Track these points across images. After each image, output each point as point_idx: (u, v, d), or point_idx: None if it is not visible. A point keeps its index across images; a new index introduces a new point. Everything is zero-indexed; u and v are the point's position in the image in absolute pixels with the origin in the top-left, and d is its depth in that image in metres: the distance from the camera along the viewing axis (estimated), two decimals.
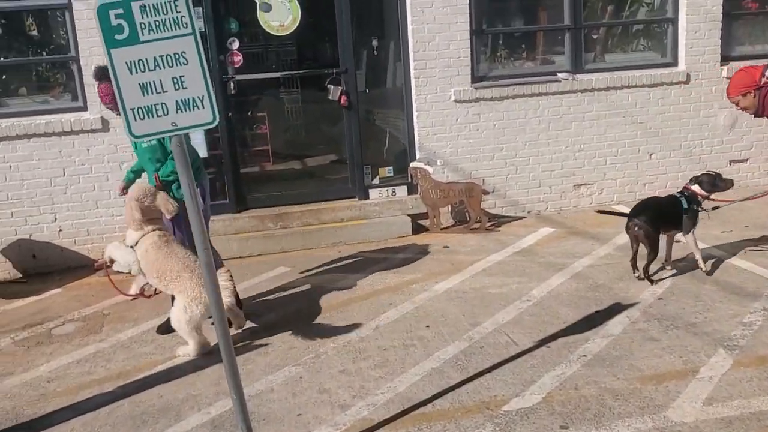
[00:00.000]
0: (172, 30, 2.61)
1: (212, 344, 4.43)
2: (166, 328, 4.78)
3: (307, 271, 6.03)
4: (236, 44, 6.63)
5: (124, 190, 4.92)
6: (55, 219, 6.47)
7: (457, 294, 5.26)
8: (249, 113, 7.21)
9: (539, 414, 3.51)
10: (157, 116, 2.66)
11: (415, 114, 7.00)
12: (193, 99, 2.69)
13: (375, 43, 7.17)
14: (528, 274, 5.58)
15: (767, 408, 3.39)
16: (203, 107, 2.71)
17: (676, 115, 7.39)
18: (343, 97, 6.83)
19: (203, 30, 6.48)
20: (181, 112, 2.67)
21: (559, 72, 7.22)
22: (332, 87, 6.81)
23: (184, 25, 2.62)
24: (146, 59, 2.61)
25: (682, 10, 7.24)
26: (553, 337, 4.39)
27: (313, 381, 4.05)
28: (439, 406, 3.67)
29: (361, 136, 7.06)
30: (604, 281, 5.27)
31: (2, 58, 6.46)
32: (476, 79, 7.07)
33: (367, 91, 7.27)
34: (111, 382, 4.25)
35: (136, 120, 2.64)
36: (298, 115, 7.56)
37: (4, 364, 4.65)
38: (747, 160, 7.64)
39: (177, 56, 2.64)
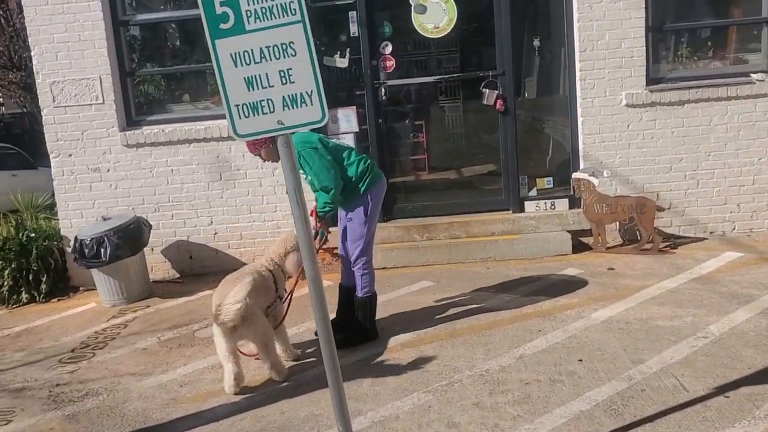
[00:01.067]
0: (279, 17, 2.36)
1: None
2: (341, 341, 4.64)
3: (451, 287, 5.63)
4: (389, 48, 6.43)
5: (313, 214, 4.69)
6: (211, 222, 6.64)
7: (618, 324, 4.60)
8: (403, 120, 7.00)
9: None
10: (263, 113, 2.42)
11: (579, 119, 6.37)
12: (301, 95, 2.42)
13: (537, 43, 6.63)
14: (706, 305, 4.76)
15: None
16: (311, 104, 2.43)
17: None
18: (499, 102, 6.37)
19: (357, 35, 6.36)
20: (288, 108, 2.42)
21: (754, 72, 6.22)
22: (487, 91, 6.38)
23: (293, 12, 2.36)
24: (252, 50, 2.38)
25: None
26: (735, 386, 3.63)
27: (442, 412, 3.65)
28: None
29: (518, 144, 6.55)
30: None
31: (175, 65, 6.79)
32: (652, 81, 6.29)
33: (527, 95, 6.75)
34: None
35: (240, 118, 2.42)
36: (454, 122, 7.20)
37: (147, 363, 4.73)
38: None
39: (285, 47, 2.39)
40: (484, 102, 6.41)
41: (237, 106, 2.42)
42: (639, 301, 4.97)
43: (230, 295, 3.99)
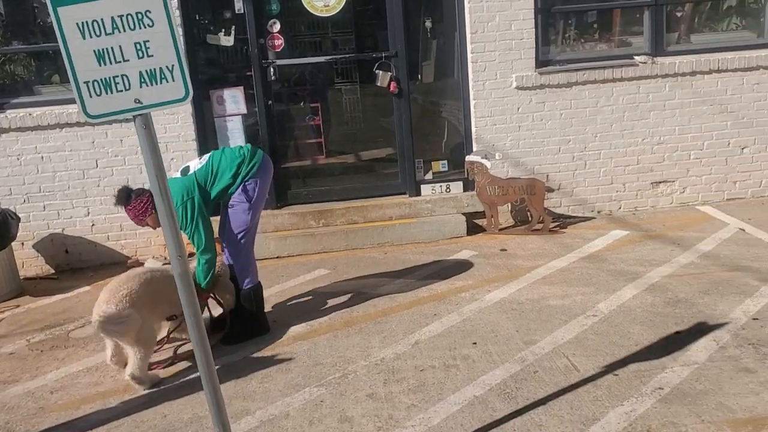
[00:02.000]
0: None
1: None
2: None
3: (348, 274, 5.49)
4: (277, 26, 6.15)
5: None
6: (88, 213, 6.17)
7: (511, 305, 4.60)
8: (297, 102, 6.76)
9: None
10: (117, 91, 2.15)
11: (472, 102, 6.34)
12: (161, 69, 2.17)
13: (428, 24, 6.54)
14: (595, 283, 4.85)
15: None
16: (173, 79, 2.18)
17: None
18: (393, 84, 6.24)
19: (242, 11, 6.04)
20: (146, 85, 2.16)
21: (637, 55, 6.40)
22: (380, 72, 6.23)
23: None
24: (102, 20, 2.10)
25: None
26: (623, 363, 3.68)
27: (335, 406, 3.50)
28: None
29: (414, 128, 6.45)
30: (685, 295, 4.49)
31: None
32: (541, 63, 6.34)
33: (424, 79, 6.67)
34: (116, 396, 3.83)
35: (91, 96, 2.14)
36: (351, 105, 7.01)
37: (13, 369, 4.31)
38: None
39: (140, 16, 2.12)
40: (378, 84, 6.26)
41: (87, 83, 2.13)
42: (531, 281, 5.00)
43: (101, 299, 3.71)
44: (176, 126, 6.11)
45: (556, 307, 4.51)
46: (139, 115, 2.18)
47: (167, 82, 2.17)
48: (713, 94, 6.40)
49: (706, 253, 5.22)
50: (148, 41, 2.13)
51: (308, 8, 6.07)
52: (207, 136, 6.25)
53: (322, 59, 6.53)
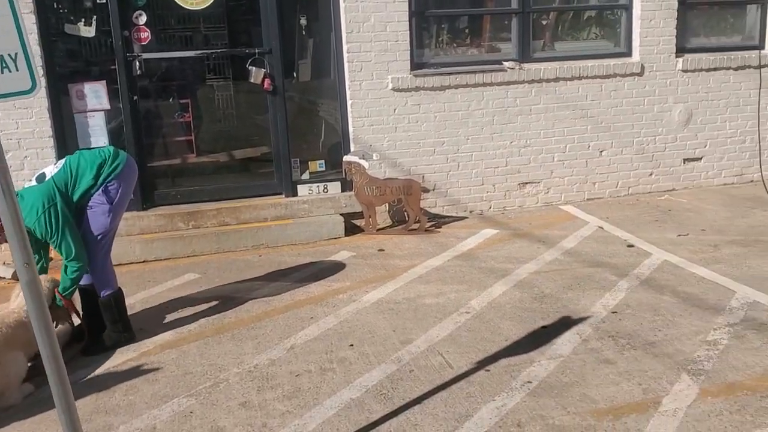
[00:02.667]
0: None
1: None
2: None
3: (220, 278, 5.29)
4: (144, 19, 5.83)
5: None
6: None
7: (388, 305, 4.62)
8: (165, 98, 6.43)
9: None
10: None
11: (349, 102, 6.32)
12: (2, 58, 1.95)
13: (304, 22, 6.45)
14: (468, 281, 4.98)
15: None
16: (17, 69, 1.96)
17: (628, 109, 6.90)
18: (267, 81, 6.10)
19: (105, 1, 5.68)
20: None
21: (506, 60, 6.64)
22: (254, 69, 6.07)
23: None
24: None
25: None
26: (494, 358, 3.79)
27: (205, 417, 3.34)
28: None
29: (290, 126, 6.34)
30: (551, 291, 4.70)
31: None
32: (416, 66, 6.44)
33: (300, 77, 6.57)
34: None
35: None
36: (224, 101, 6.77)
37: None
38: (701, 158, 7.21)
39: None
40: (251, 80, 6.10)
41: None
42: (407, 281, 5.05)
43: None
44: (30, 121, 5.64)
45: (432, 305, 4.57)
46: None
47: (10, 71, 1.95)
48: (575, 99, 6.76)
49: (569, 251, 5.50)
50: None
51: (178, 1, 5.80)
52: (66, 133, 5.82)
53: (192, 54, 6.26)
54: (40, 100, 5.60)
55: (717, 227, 5.90)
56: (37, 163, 5.55)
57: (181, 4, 5.83)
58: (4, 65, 1.95)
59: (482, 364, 3.72)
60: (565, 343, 3.92)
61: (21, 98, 2.03)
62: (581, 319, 4.21)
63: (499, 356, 3.81)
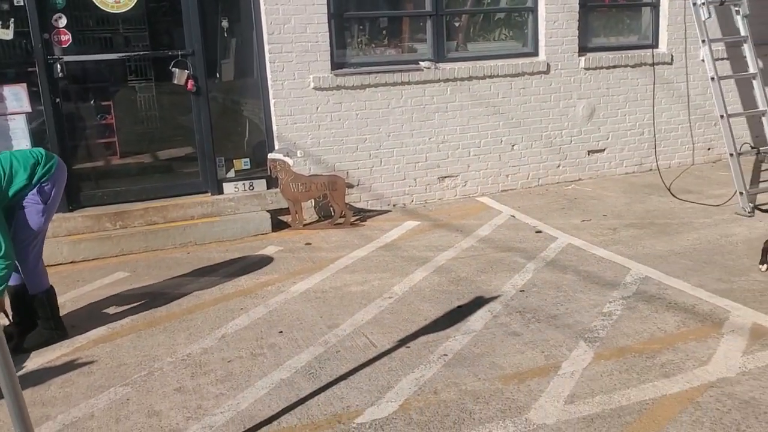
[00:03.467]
0: None
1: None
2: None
3: (150, 275, 5.41)
4: (64, 21, 5.85)
5: None
6: None
7: (315, 294, 4.87)
8: (88, 100, 6.45)
9: (395, 425, 3.18)
10: None
11: (272, 102, 6.53)
12: None
13: (225, 24, 6.61)
14: (391, 269, 5.28)
15: (627, 403, 3.25)
16: None
17: (536, 105, 7.39)
18: (191, 82, 6.23)
19: (22, 3, 5.68)
20: None
21: (422, 60, 7.00)
22: (177, 70, 6.19)
23: None
24: None
25: (541, 0, 7.23)
26: (414, 336, 4.10)
27: (142, 403, 3.51)
28: (285, 423, 3.25)
29: (214, 126, 6.49)
30: (466, 274, 5.06)
31: None
32: (336, 65, 6.70)
33: (223, 77, 6.71)
34: None
35: None
36: (147, 103, 6.83)
37: None
38: (604, 150, 7.78)
39: None
40: (175, 82, 6.22)
41: None
42: (334, 271, 5.31)
43: None
44: None
45: (357, 292, 4.85)
46: None
47: None
48: (487, 97, 7.19)
49: (484, 238, 5.89)
50: None
51: (98, 3, 5.86)
52: None
53: (114, 56, 6.31)
54: None
55: (617, 212, 6.42)
56: None
57: (102, 7, 5.89)
58: None
59: (403, 342, 4.03)
60: (477, 319, 4.27)
61: None
62: (492, 298, 4.58)
63: (419, 334, 4.12)
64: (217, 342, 4.18)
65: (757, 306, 4.25)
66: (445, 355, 3.83)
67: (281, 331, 4.28)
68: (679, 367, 3.55)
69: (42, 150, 4.18)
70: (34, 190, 4.03)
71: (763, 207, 6.36)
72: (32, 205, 4.03)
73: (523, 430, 3.09)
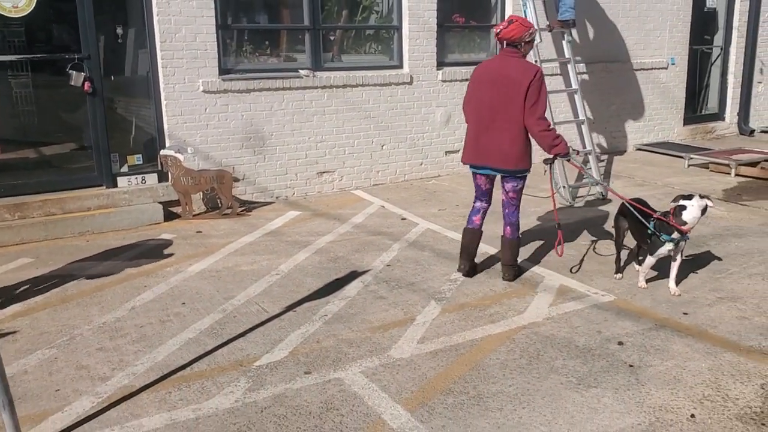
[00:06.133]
0: None
1: None
2: None
3: (53, 261, 5.90)
4: None
5: None
6: None
7: (211, 273, 5.60)
8: None
9: (286, 365, 4.04)
10: None
11: (163, 103, 7.13)
12: None
13: (120, 30, 7.13)
14: (277, 252, 6.10)
15: (462, 341, 4.31)
16: None
17: (402, 112, 8.46)
18: (87, 84, 6.72)
19: None
20: None
21: (301, 69, 7.85)
22: (74, 73, 6.66)
23: None
24: None
25: (404, 19, 8.30)
26: (299, 303, 4.96)
27: (69, 360, 4.13)
28: (197, 369, 4.02)
29: (108, 124, 7.00)
30: (343, 254, 5.99)
31: None
32: (223, 71, 7.41)
33: (114, 78, 7.21)
34: None
35: None
36: (43, 102, 7.15)
37: None
38: (458, 151, 8.99)
39: None
40: (72, 83, 6.68)
41: None
42: (225, 254, 6.05)
43: None
44: None
45: (248, 271, 5.64)
46: None
47: None
48: (360, 103, 8.16)
49: (358, 224, 6.85)
50: None
51: None
52: None
53: (12, 58, 6.67)
54: None
55: (467, 203, 7.54)
56: None
57: (1, 12, 6.26)
58: None
59: (290, 308, 4.88)
60: (352, 288, 5.21)
61: None
62: (364, 272, 5.54)
63: (303, 301, 4.99)
64: (128, 312, 4.83)
65: (565, 273, 5.49)
66: (326, 315, 4.73)
67: (184, 303, 5.00)
68: (502, 316, 4.68)
69: None
70: None
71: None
72: None
73: (386, 362, 4.05)
